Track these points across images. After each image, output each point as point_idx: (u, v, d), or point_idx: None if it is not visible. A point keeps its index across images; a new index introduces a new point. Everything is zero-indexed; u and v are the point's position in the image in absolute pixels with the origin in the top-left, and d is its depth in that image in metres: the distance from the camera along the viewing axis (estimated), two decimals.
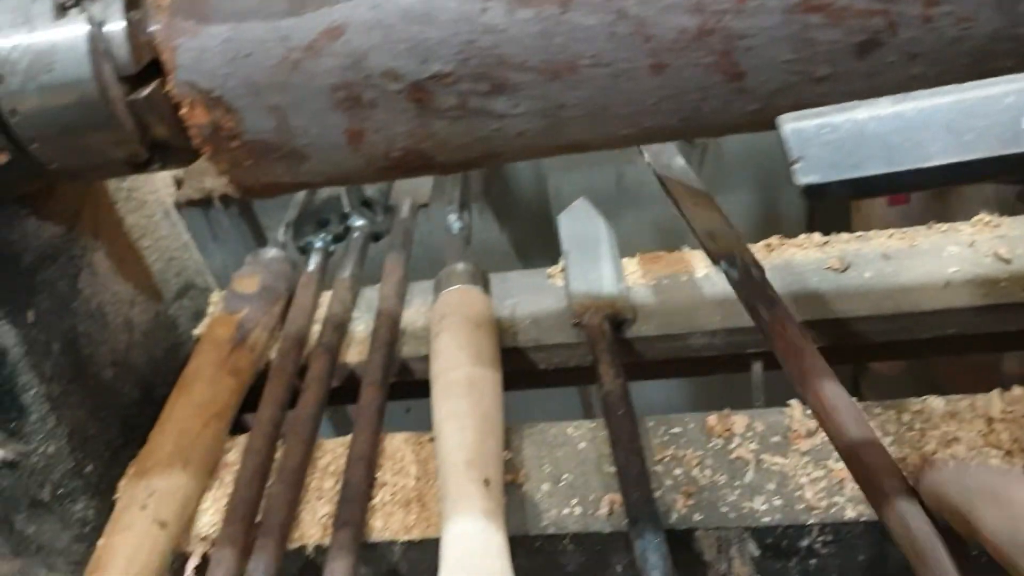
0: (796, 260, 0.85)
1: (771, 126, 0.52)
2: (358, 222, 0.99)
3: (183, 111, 0.53)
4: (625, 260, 0.90)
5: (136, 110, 0.58)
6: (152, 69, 0.57)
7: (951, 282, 0.78)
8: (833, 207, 1.57)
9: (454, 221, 0.94)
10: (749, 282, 0.67)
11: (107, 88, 0.56)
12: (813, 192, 0.42)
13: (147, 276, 0.85)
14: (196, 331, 0.93)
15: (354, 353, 0.88)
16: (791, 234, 0.89)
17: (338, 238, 1.00)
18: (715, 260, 0.69)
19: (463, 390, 0.72)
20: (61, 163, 0.61)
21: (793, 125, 0.43)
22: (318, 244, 0.98)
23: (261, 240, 1.63)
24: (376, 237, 1.01)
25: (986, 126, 0.41)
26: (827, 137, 0.43)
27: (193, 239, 0.95)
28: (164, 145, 0.61)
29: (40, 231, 0.71)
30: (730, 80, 0.49)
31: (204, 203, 1.51)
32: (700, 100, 0.50)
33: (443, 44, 0.49)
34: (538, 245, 1.65)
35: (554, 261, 0.92)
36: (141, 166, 0.62)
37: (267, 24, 0.50)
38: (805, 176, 0.42)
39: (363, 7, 0.49)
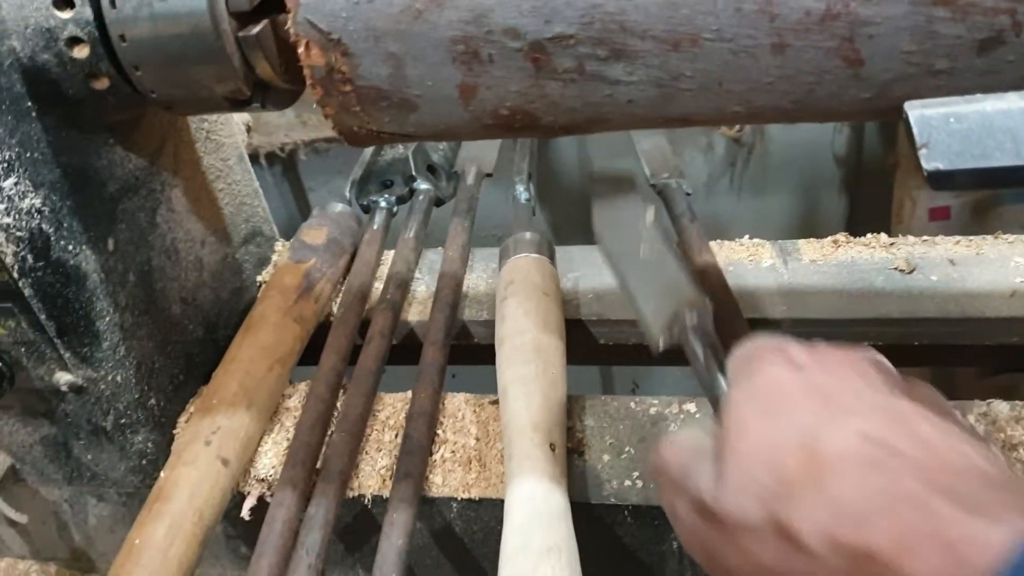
0: (862, 259, 0.85)
1: (880, 115, 0.53)
2: (423, 186, 1.00)
3: (300, 50, 0.54)
4: None
5: (245, 47, 0.58)
6: (264, 6, 0.58)
7: (1017, 291, 0.78)
8: (874, 216, 1.57)
9: (522, 191, 0.95)
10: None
11: (219, 22, 0.57)
12: (939, 178, 0.43)
13: (219, 218, 0.86)
14: (260, 277, 0.94)
15: (415, 312, 0.89)
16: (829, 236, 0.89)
17: (402, 200, 1.00)
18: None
19: (530, 355, 0.73)
20: (161, 93, 0.62)
21: (920, 112, 0.44)
22: (383, 204, 0.99)
23: (303, 200, 1.64)
24: (439, 202, 1.02)
25: None
26: (954, 126, 0.43)
27: None
28: (265, 85, 0.62)
29: (125, 161, 0.71)
30: (849, 66, 0.49)
31: (250, 159, 1.52)
32: (815, 83, 0.51)
33: (568, 6, 0.50)
34: (579, 226, 1.66)
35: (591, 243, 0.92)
36: (240, 103, 0.63)
37: None
38: (931, 162, 0.43)
39: None
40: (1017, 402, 0.70)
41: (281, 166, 1.65)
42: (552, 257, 0.87)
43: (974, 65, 0.48)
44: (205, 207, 0.83)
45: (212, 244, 0.85)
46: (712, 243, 0.90)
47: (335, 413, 0.77)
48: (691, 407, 0.74)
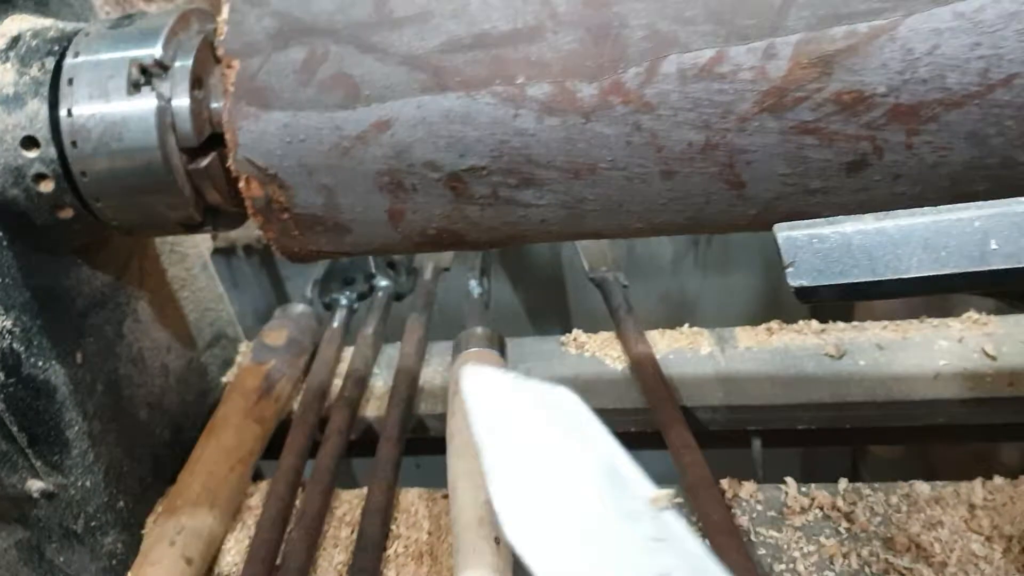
0: (795, 345, 0.90)
1: (769, 229, 0.58)
2: (383, 283, 1.05)
3: (240, 184, 0.59)
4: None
5: (194, 178, 0.64)
6: (211, 142, 0.63)
7: (941, 374, 0.83)
8: None
9: (475, 286, 1.00)
10: None
11: (170, 157, 0.62)
12: (803, 294, 0.48)
13: (184, 325, 0.91)
14: (225, 378, 0.98)
15: (373, 408, 0.93)
16: (794, 315, 0.94)
17: (362, 296, 1.05)
18: None
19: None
20: (121, 221, 0.67)
21: (786, 234, 0.49)
22: (343, 301, 1.04)
23: (280, 289, 1.69)
24: (399, 297, 1.07)
25: (958, 245, 0.46)
26: (817, 246, 0.48)
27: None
28: (216, 210, 0.67)
29: (92, 279, 0.76)
30: (732, 188, 0.55)
31: (228, 252, 1.58)
32: (705, 203, 0.56)
33: (479, 142, 0.55)
34: (550, 310, 1.71)
35: (564, 326, 0.97)
36: (194, 227, 0.68)
37: (322, 115, 0.56)
38: (796, 280, 0.48)
39: (410, 106, 0.55)
40: (938, 482, 0.74)
41: (259, 257, 1.70)
42: (503, 350, 0.91)
43: (845, 184, 0.54)
44: (170, 315, 0.88)
45: (177, 350, 0.90)
46: (653, 332, 0.95)
47: (294, 511, 0.80)
48: None
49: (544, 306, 1.74)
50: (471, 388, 0.42)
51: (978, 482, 0.72)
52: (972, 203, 0.47)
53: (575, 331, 0.97)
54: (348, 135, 0.57)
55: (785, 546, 0.71)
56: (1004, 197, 0.48)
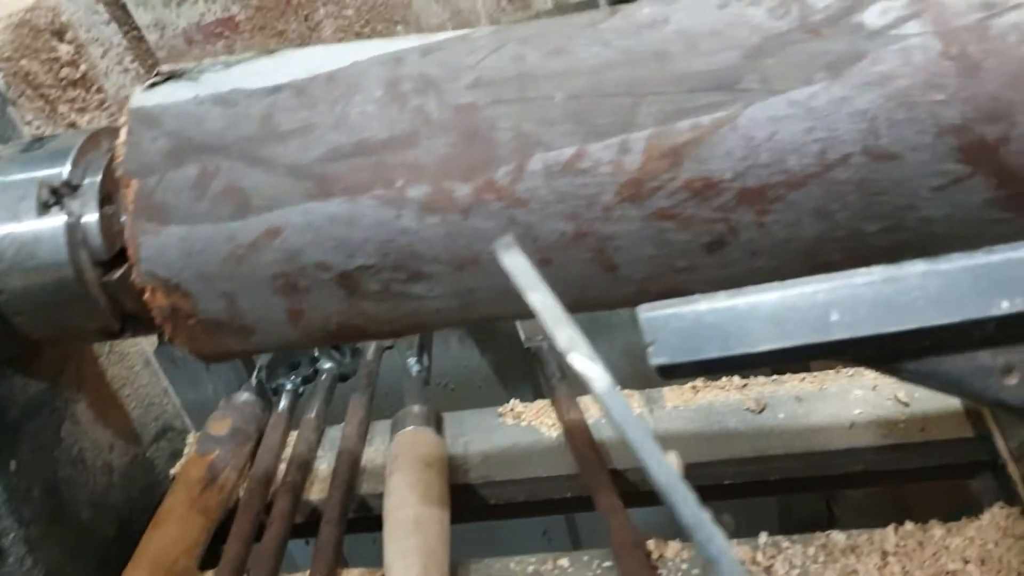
0: (719, 401, 0.92)
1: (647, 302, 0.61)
2: (326, 364, 1.08)
3: (146, 295, 0.62)
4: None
5: (109, 289, 0.67)
6: (124, 253, 0.66)
7: (856, 423, 0.85)
8: None
9: (413, 364, 1.03)
10: None
11: (83, 271, 0.65)
12: (664, 372, 0.51)
13: (127, 422, 0.93)
14: (173, 470, 1.00)
15: (317, 490, 0.95)
16: None
17: (308, 380, 1.08)
18: None
19: (411, 529, 0.79)
20: (42, 333, 0.69)
21: (647, 314, 0.52)
22: (288, 386, 1.06)
23: (250, 363, 1.70)
24: (344, 378, 1.09)
25: (802, 318, 0.49)
26: (674, 325, 0.51)
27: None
28: (134, 317, 0.70)
29: (25, 387, 0.79)
30: (607, 271, 0.58)
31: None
32: (585, 286, 0.59)
33: (365, 242, 0.58)
34: (517, 372, 1.72)
35: (534, 386, 0.99)
36: (114, 335, 0.70)
37: (216, 226, 0.59)
38: (656, 358, 0.50)
39: (297, 213, 0.58)
40: (853, 531, 0.76)
41: None
42: (439, 426, 0.94)
43: (708, 262, 0.57)
44: (112, 414, 0.90)
45: (121, 447, 0.92)
46: (586, 397, 0.97)
47: None
48: (564, 562, 0.80)
49: (513, 369, 1.76)
50: None
51: (891, 529, 0.75)
52: (817, 276, 0.50)
53: (512, 401, 1.00)
54: (242, 244, 0.60)
55: None
56: (858, 266, 0.51)
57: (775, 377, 0.94)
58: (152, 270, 0.61)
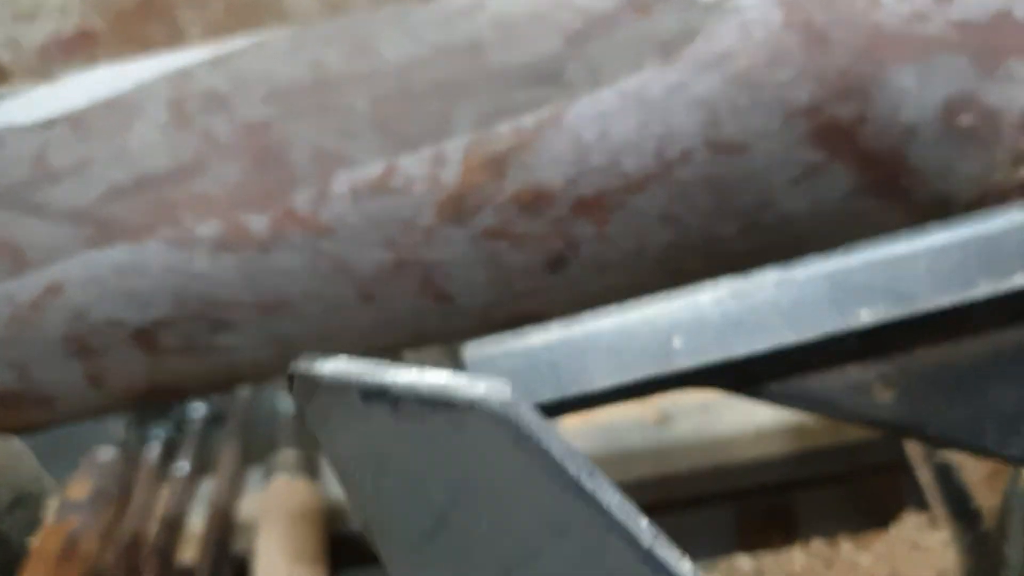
0: (617, 417, 0.85)
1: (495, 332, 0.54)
2: (196, 408, 0.99)
3: None
4: None
5: None
6: None
7: (761, 429, 0.79)
8: None
9: (283, 402, 0.94)
10: None
11: None
12: None
13: None
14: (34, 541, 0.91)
15: (189, 551, 0.87)
16: None
17: (181, 426, 0.99)
18: None
19: None
20: None
21: (473, 355, 0.44)
22: (159, 434, 0.97)
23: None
24: (221, 419, 1.01)
25: (642, 346, 0.42)
26: (503, 365, 0.44)
27: None
28: None
29: None
30: (440, 302, 0.50)
31: None
32: (418, 322, 0.52)
33: (157, 292, 0.50)
34: None
35: None
36: None
37: None
38: None
39: (77, 265, 0.50)
40: (759, 553, 0.70)
41: None
42: (316, 471, 0.86)
43: (552, 283, 0.50)
44: None
45: None
46: None
47: None
48: None
49: None
50: None
51: (797, 549, 0.69)
52: (659, 296, 0.43)
53: None
54: (22, 304, 0.52)
55: None
56: (721, 274, 0.45)
57: None
58: None
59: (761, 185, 0.45)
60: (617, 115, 0.45)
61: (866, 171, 0.44)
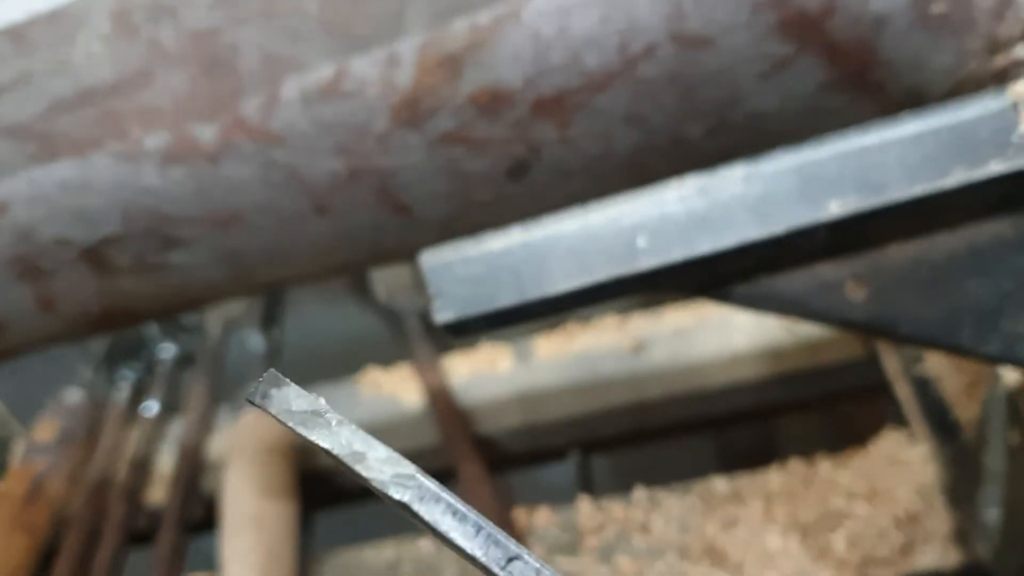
0: (592, 346, 0.84)
1: None
2: (166, 348, 0.97)
3: None
4: None
5: None
6: None
7: (737, 353, 0.78)
8: None
9: (257, 341, 0.93)
10: None
11: None
12: (453, 330, 0.42)
13: None
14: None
15: (158, 492, 0.85)
16: None
17: (151, 367, 0.97)
18: None
19: (249, 526, 0.70)
20: None
21: (431, 262, 0.43)
22: (126, 377, 0.95)
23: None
24: (191, 359, 0.99)
25: (605, 248, 0.41)
26: (461, 271, 0.42)
27: None
28: None
29: None
30: (398, 214, 0.49)
31: None
32: (377, 235, 0.50)
33: (106, 209, 0.48)
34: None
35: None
36: None
37: None
38: (442, 314, 0.42)
39: (21, 182, 0.48)
40: (736, 474, 0.69)
41: None
42: None
43: (514, 191, 0.48)
44: None
45: None
46: (457, 355, 0.89)
47: None
48: (424, 544, 0.72)
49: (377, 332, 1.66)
50: None
51: (773, 470, 0.68)
52: (622, 197, 0.42)
53: (370, 369, 0.90)
54: None
55: (580, 573, 0.66)
56: (687, 174, 0.43)
57: (654, 311, 0.86)
58: None
59: (728, 81, 0.43)
60: (577, 8, 0.43)
61: (836, 64, 0.42)
